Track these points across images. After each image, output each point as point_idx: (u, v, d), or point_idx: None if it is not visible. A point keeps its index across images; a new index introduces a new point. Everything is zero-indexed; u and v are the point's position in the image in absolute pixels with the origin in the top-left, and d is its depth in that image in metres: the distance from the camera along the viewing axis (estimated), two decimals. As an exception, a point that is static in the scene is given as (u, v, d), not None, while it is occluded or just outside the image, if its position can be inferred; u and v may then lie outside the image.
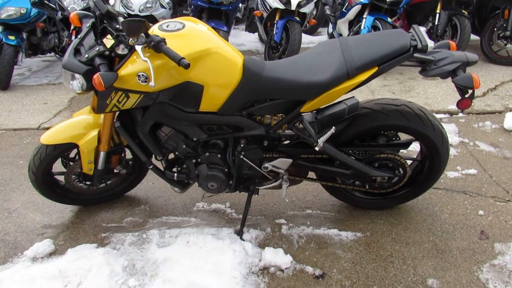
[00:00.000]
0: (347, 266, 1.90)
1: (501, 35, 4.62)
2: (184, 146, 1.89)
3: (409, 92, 4.07)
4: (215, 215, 2.29)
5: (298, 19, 4.83)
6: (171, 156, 2.05)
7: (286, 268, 1.87)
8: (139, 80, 1.58)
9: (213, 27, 1.82)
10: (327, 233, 2.11)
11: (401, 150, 2.06)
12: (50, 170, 2.14)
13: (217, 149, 1.92)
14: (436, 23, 4.68)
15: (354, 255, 1.96)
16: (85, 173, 2.08)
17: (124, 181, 2.36)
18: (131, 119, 1.87)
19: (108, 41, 1.62)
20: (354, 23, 4.80)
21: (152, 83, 1.50)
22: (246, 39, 6.72)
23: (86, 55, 1.61)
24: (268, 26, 5.28)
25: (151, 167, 2.01)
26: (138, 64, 1.58)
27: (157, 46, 1.49)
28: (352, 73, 1.67)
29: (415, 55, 1.67)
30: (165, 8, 5.49)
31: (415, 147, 2.76)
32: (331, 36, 5.95)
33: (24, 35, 4.57)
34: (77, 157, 2.12)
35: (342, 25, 5.00)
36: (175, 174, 1.99)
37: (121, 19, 1.66)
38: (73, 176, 2.16)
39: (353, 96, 1.89)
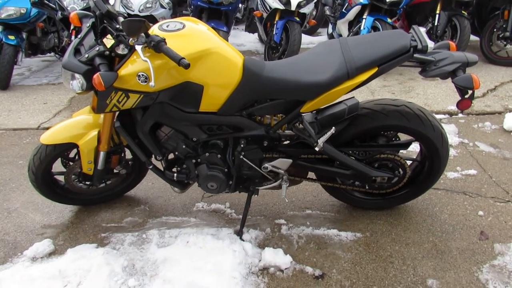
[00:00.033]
0: (346, 266, 1.90)
1: (500, 35, 4.63)
2: (184, 146, 1.89)
3: (409, 93, 4.07)
4: (215, 215, 2.29)
5: (298, 19, 4.83)
6: (171, 156, 2.05)
7: (285, 269, 1.87)
8: (139, 80, 1.58)
9: (213, 27, 1.82)
10: (326, 233, 2.11)
11: (401, 151, 2.06)
12: (50, 170, 2.14)
13: (217, 149, 1.92)
14: (435, 23, 4.68)
15: (354, 255, 1.96)
16: (85, 173, 2.08)
17: (124, 181, 2.36)
18: (131, 119, 1.87)
19: (108, 41, 1.62)
20: (354, 24, 4.80)
21: (152, 83, 1.50)
22: (246, 40, 6.72)
23: (86, 55, 1.61)
24: (268, 26, 5.28)
25: (151, 167, 2.01)
26: (138, 64, 1.58)
27: (157, 46, 1.49)
28: (352, 73, 1.67)
29: (415, 55, 1.68)
30: (165, 8, 5.49)
31: (415, 147, 2.76)
32: (330, 36, 5.96)
33: (24, 35, 4.57)
34: (77, 157, 2.12)
35: (342, 26, 5.01)
36: (175, 174, 1.99)
37: (121, 19, 1.66)
38: (73, 176, 2.16)
39: (353, 97, 1.89)
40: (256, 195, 2.13)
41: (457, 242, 2.02)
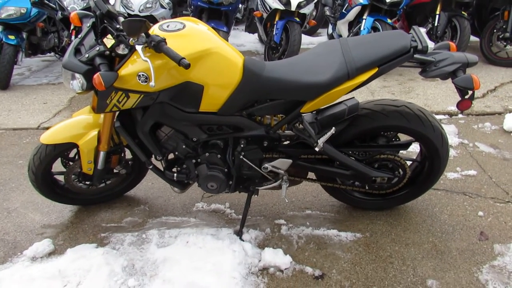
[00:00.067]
0: (346, 266, 1.90)
1: (500, 36, 4.63)
2: (184, 146, 1.89)
3: (408, 93, 4.07)
4: (215, 215, 2.29)
5: (298, 20, 4.83)
6: (171, 156, 2.05)
7: (285, 269, 1.87)
8: (139, 80, 1.58)
9: (213, 28, 1.82)
10: (326, 233, 2.11)
11: (401, 151, 2.06)
12: (50, 170, 2.14)
13: (217, 149, 1.92)
14: (435, 24, 4.69)
15: (354, 255, 1.96)
16: (85, 173, 2.08)
17: (124, 181, 2.36)
18: (131, 119, 1.87)
19: (109, 41, 1.62)
20: (353, 24, 4.80)
21: (152, 83, 1.50)
22: (246, 40, 6.73)
23: (87, 55, 1.61)
24: (268, 26, 5.29)
25: (150, 167, 2.01)
26: (139, 64, 1.58)
27: (157, 46, 1.49)
28: (353, 73, 1.67)
29: (415, 56, 1.68)
30: (165, 8, 5.50)
31: (415, 148, 2.76)
32: (330, 37, 5.96)
33: (24, 35, 4.58)
34: (76, 157, 2.12)
35: (342, 26, 5.01)
36: (175, 174, 1.99)
37: (121, 19, 1.66)
38: (73, 176, 2.16)
39: (353, 97, 1.89)
40: (256, 195, 2.13)
41: (457, 243, 2.02)
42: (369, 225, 2.16)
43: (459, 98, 1.69)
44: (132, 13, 5.03)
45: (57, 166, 2.14)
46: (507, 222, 2.15)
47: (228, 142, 1.91)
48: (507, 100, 3.77)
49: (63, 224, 2.24)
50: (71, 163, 2.15)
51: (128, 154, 2.20)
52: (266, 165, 1.92)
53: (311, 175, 2.08)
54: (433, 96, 3.94)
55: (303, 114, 1.80)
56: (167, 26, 1.67)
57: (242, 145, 1.89)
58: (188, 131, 1.84)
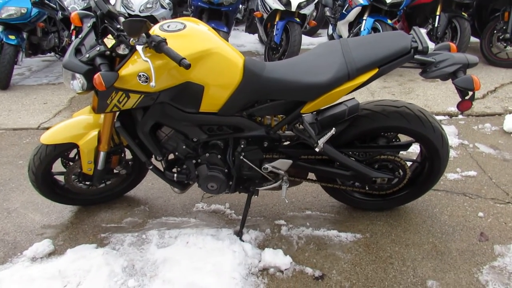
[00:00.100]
0: (346, 267, 1.90)
1: (501, 37, 4.63)
2: (184, 147, 1.89)
3: (408, 94, 4.08)
4: (215, 215, 2.29)
5: (298, 20, 4.83)
6: (171, 156, 2.04)
7: (285, 269, 1.87)
8: (139, 80, 1.58)
9: (213, 28, 1.82)
10: (326, 234, 2.11)
11: (401, 152, 2.06)
12: (50, 170, 2.14)
13: (217, 149, 1.92)
14: (436, 25, 4.69)
15: (354, 256, 1.96)
16: (85, 173, 2.08)
17: (124, 182, 2.36)
18: (131, 119, 1.87)
19: (109, 41, 1.62)
20: (354, 25, 4.80)
21: (152, 83, 1.50)
22: (246, 40, 6.73)
23: (87, 55, 1.61)
24: (268, 27, 5.29)
25: (151, 167, 2.00)
26: (139, 64, 1.58)
27: (158, 46, 1.49)
28: (353, 74, 1.67)
29: (416, 56, 1.68)
30: (165, 8, 5.50)
31: (415, 148, 2.76)
32: (331, 37, 5.96)
33: (25, 35, 4.58)
34: (77, 157, 2.12)
35: (342, 27, 5.01)
36: (175, 175, 1.99)
37: (122, 19, 1.66)
38: (73, 176, 2.16)
39: (354, 98, 1.89)
40: (256, 196, 2.13)
41: (457, 243, 2.02)
42: (369, 225, 2.16)
43: (459, 99, 1.70)
44: (132, 13, 5.03)
45: (57, 166, 2.14)
46: (507, 223, 2.15)
47: (228, 143, 1.91)
48: (507, 101, 3.77)
49: (63, 224, 2.24)
50: (71, 163, 2.15)
51: (128, 155, 2.20)
52: (266, 165, 1.92)
53: (311, 175, 2.08)
54: (433, 97, 3.94)
55: (303, 115, 1.80)
56: (168, 26, 1.67)
57: (242, 146, 1.89)
58: (188, 131, 1.84)
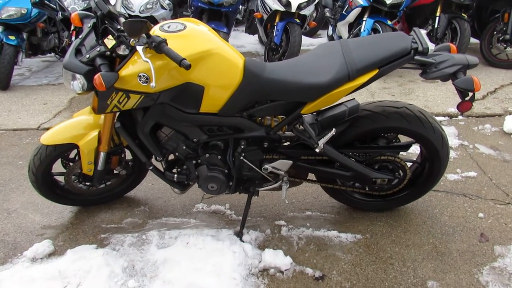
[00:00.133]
0: (347, 268, 1.90)
1: (500, 38, 4.63)
2: (184, 147, 1.89)
3: (409, 95, 4.08)
4: (215, 216, 2.29)
5: (298, 21, 4.83)
6: (171, 157, 2.04)
7: (285, 270, 1.87)
8: (140, 80, 1.58)
9: (213, 29, 1.82)
10: (326, 235, 2.11)
11: (401, 152, 2.06)
12: (50, 171, 2.14)
13: (217, 150, 1.92)
14: (436, 26, 4.69)
15: (354, 257, 1.96)
16: (85, 173, 2.08)
17: (124, 182, 2.36)
18: (132, 119, 1.87)
19: (109, 42, 1.62)
20: (354, 26, 4.81)
21: (153, 84, 1.50)
22: (246, 41, 6.73)
23: (87, 56, 1.61)
24: (268, 28, 5.29)
25: (151, 168, 2.00)
26: (139, 65, 1.58)
27: (158, 47, 1.49)
28: (353, 75, 1.67)
29: (416, 57, 1.68)
30: (166, 9, 5.51)
31: (415, 149, 2.76)
32: (331, 38, 5.96)
33: (25, 35, 4.58)
34: (77, 158, 2.12)
35: (342, 28, 5.01)
36: (175, 175, 1.99)
37: (122, 19, 1.66)
38: (73, 177, 2.16)
39: (354, 98, 1.89)
40: (256, 196, 2.13)
41: (457, 244, 2.02)
42: (369, 226, 2.16)
43: (459, 100, 1.70)
44: (132, 13, 5.03)
45: (57, 167, 2.14)
46: (507, 223, 2.15)
47: (229, 143, 1.91)
48: (507, 102, 3.77)
49: (63, 225, 2.23)
50: (71, 164, 2.15)
51: (128, 155, 2.20)
52: (266, 166, 1.92)
53: (311, 176, 2.08)
54: (433, 98, 3.94)
55: (303, 115, 1.80)
56: (168, 27, 1.67)
57: (242, 146, 1.89)
58: (188, 132, 1.84)
